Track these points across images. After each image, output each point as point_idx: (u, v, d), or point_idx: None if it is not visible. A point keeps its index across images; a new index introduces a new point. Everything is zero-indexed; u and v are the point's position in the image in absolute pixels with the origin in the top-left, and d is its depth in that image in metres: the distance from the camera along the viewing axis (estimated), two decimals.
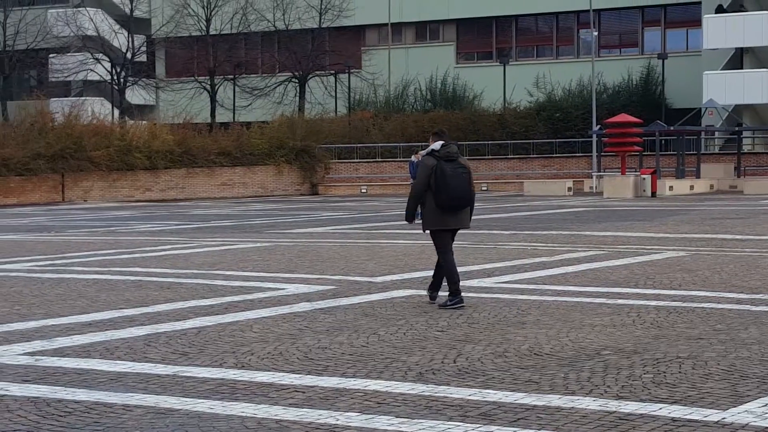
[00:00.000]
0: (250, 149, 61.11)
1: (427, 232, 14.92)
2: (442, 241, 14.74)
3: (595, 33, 63.30)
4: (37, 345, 11.88)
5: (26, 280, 18.36)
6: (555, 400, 8.92)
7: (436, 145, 14.66)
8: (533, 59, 72.89)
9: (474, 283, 16.75)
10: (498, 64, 67.93)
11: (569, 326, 12.56)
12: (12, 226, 35.00)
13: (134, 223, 35.92)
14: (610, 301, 14.49)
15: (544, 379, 9.71)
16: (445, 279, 14.75)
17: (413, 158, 35.57)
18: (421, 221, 14.93)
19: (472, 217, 15.08)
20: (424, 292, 15.51)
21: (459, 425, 8.20)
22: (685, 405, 8.71)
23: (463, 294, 14.47)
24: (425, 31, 75.70)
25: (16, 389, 9.66)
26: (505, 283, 16.71)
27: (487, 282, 16.89)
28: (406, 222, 15.15)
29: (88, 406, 9.00)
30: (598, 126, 57.66)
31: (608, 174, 54.75)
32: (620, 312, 13.57)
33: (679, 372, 9.95)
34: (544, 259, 20.37)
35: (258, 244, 25.06)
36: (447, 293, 14.54)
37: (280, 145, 61.92)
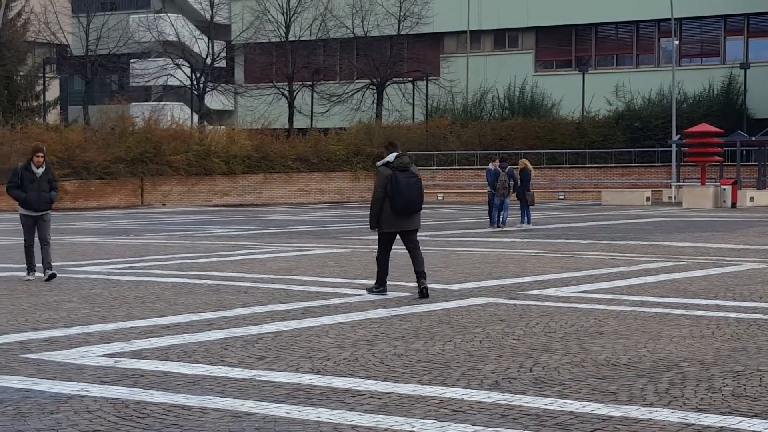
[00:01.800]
0: (327, 155, 61.33)
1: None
2: (387, 240, 16.67)
3: (676, 42, 62.81)
4: (116, 347, 11.99)
5: (106, 282, 18.54)
6: (633, 411, 8.83)
7: (391, 156, 16.59)
8: (613, 68, 72.45)
9: (551, 292, 16.66)
10: (577, 72, 67.59)
11: (647, 337, 12.44)
12: (92, 229, 35.38)
13: (212, 227, 36.16)
14: (689, 313, 14.34)
15: (622, 390, 9.63)
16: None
17: (490, 166, 35.50)
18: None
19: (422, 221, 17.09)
20: (501, 300, 15.49)
21: None
22: (765, 419, 8.59)
23: (540, 303, 14.43)
24: (504, 38, 75.52)
25: (96, 390, 9.75)
26: (582, 293, 16.60)
27: (564, 291, 16.79)
28: (369, 229, 16.92)
29: (166, 408, 9.07)
30: (678, 136, 57.18)
31: (688, 184, 54.25)
32: (699, 323, 13.43)
33: (760, 385, 9.82)
34: (622, 269, 20.22)
35: (335, 250, 25.12)
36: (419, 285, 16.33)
37: (357, 151, 62.08)
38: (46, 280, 18.59)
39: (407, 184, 16.41)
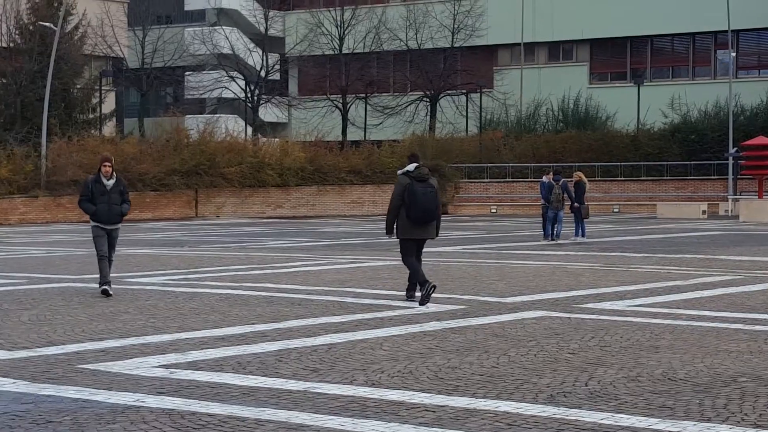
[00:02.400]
0: (380, 167, 61.36)
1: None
2: (408, 248, 17.29)
3: (733, 54, 62.36)
4: (171, 358, 12.04)
5: (161, 293, 18.64)
6: (690, 427, 8.76)
7: (411, 166, 17.18)
8: (668, 80, 72.07)
9: (606, 305, 16.57)
10: (632, 84, 67.23)
11: (704, 351, 12.34)
12: (147, 240, 35.60)
13: (265, 239, 36.28)
14: (746, 327, 14.21)
15: (679, 405, 9.55)
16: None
17: (544, 179, 35.39)
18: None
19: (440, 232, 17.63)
20: (556, 314, 15.44)
21: None
22: None
23: (595, 316, 14.38)
24: (558, 50, 75.31)
25: (152, 401, 9.80)
26: (638, 306, 16.50)
27: (619, 305, 16.69)
28: (386, 235, 17.56)
29: (221, 419, 9.09)
30: (735, 149, 56.75)
31: (745, 197, 53.81)
32: (757, 338, 13.30)
33: None
34: (678, 282, 20.07)
35: (388, 263, 25.11)
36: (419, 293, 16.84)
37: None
38: (101, 293, 18.27)
39: (424, 194, 17.01)
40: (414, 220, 17.03)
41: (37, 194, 51.36)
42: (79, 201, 19.03)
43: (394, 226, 17.30)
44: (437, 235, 17.56)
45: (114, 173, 18.82)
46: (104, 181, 18.67)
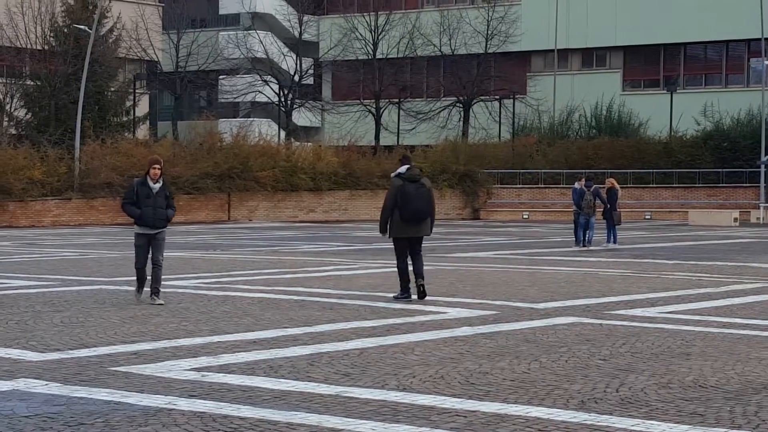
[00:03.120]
0: None
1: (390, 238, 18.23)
2: (401, 248, 18.14)
3: (766, 62, 62.07)
4: (203, 361, 12.09)
5: (193, 296, 18.71)
6: None
7: (403, 168, 18.25)
8: (701, 87, 71.83)
9: (637, 312, 16.54)
10: (665, 92, 67.07)
11: (735, 359, 12.30)
12: (179, 243, 35.73)
13: (297, 243, 36.35)
14: None
15: (710, 412, 9.53)
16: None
17: (576, 185, 35.33)
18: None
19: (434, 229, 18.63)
20: (587, 320, 15.43)
21: None
22: None
23: (626, 323, 14.35)
24: (591, 57, 75.20)
25: (184, 404, 9.85)
26: (669, 313, 16.46)
27: (650, 311, 16.65)
28: (380, 234, 18.31)
29: (252, 422, 9.13)
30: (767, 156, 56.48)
31: None
32: None
33: None
34: (709, 290, 20.01)
35: None
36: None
37: (443, 169, 62.08)
38: (151, 303, 17.44)
39: (416, 194, 17.95)
40: (407, 220, 17.90)
41: (70, 197, 51.59)
42: (122, 204, 18.40)
43: (388, 226, 18.07)
44: (431, 232, 18.44)
45: (161, 177, 18.11)
46: (151, 184, 17.92)
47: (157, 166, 17.94)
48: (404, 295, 18.09)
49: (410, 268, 18.22)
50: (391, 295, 18.44)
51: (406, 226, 17.98)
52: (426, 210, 18.05)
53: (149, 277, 17.95)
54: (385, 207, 18.16)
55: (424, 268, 18.54)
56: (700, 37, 70.87)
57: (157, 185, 17.94)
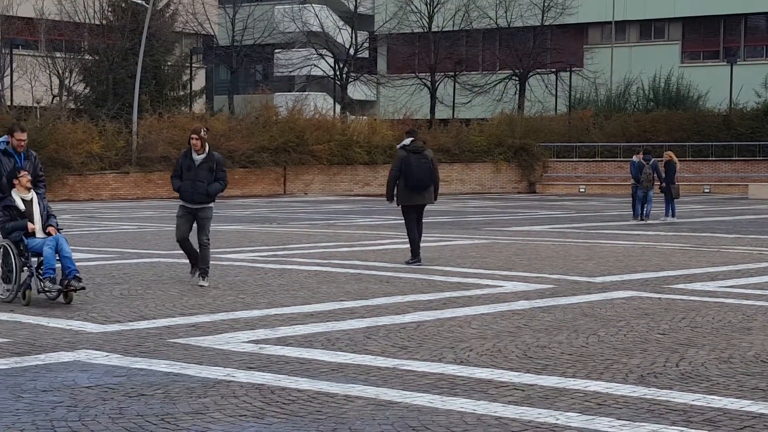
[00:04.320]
0: (468, 146, 61.19)
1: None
2: (408, 215, 19.84)
3: None
4: (260, 333, 12.13)
5: (250, 269, 18.77)
6: None
7: (407, 140, 19.81)
8: (762, 59, 70.95)
9: (697, 286, 16.41)
10: (725, 63, 66.36)
11: None
12: (236, 216, 35.87)
13: (353, 216, 36.38)
14: None
15: None
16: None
17: (635, 158, 35.09)
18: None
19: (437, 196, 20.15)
20: (646, 294, 15.33)
21: (683, 430, 8.04)
22: None
23: (685, 297, 14.27)
24: (650, 29, 74.52)
25: (242, 376, 9.88)
26: (729, 288, 16.31)
27: (710, 286, 16.52)
28: (386, 201, 20.20)
29: (310, 395, 9.15)
30: None
31: None
32: None
33: None
34: None
35: (476, 241, 25.08)
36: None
37: (498, 142, 61.82)
38: (196, 284, 16.57)
39: (418, 164, 19.49)
40: (411, 188, 19.50)
41: (128, 170, 51.92)
42: (171, 176, 17.39)
43: (394, 194, 19.78)
44: (435, 200, 20.14)
45: (206, 147, 16.88)
46: (194, 155, 16.80)
47: (195, 136, 16.78)
48: (415, 259, 19.66)
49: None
50: (405, 261, 19.76)
51: (411, 193, 19.59)
52: (427, 180, 19.59)
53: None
54: (390, 177, 19.85)
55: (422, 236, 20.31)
56: (761, 7, 69.98)
57: (200, 157, 16.79)
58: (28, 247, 14.71)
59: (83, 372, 10.07)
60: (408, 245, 20.13)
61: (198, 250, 16.90)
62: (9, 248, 14.72)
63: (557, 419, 8.34)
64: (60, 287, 14.25)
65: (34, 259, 14.64)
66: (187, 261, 17.51)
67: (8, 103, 54.88)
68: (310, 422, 8.30)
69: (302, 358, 10.72)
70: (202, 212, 16.89)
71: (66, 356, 10.82)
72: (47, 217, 15.09)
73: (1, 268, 14.86)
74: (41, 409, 8.67)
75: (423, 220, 20.32)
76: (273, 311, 13.76)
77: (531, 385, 9.53)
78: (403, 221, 20.13)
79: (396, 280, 17.20)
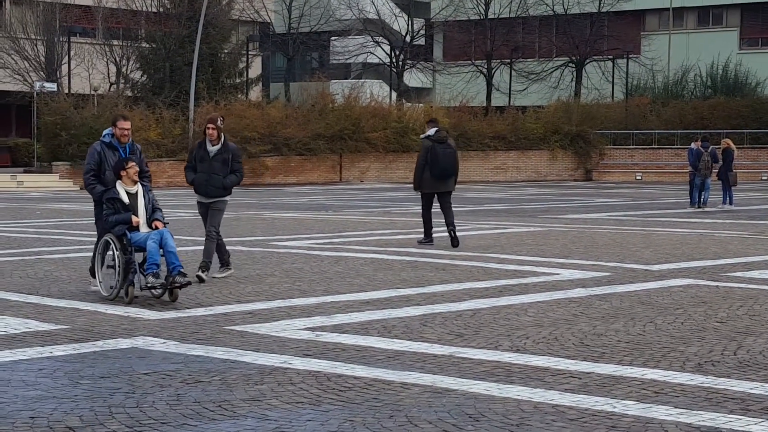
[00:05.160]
0: (524, 133, 61.02)
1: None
2: (427, 200, 20.71)
3: None
4: (317, 321, 12.17)
5: (306, 257, 18.82)
6: None
7: (431, 131, 20.33)
8: None
9: (755, 274, 16.28)
10: None
11: None
12: (292, 204, 35.98)
13: (409, 204, 36.35)
14: None
15: None
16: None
17: (693, 146, 34.87)
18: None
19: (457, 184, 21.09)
20: (703, 282, 15.24)
21: (740, 419, 7.99)
22: None
23: (743, 285, 14.21)
24: (708, 15, 73.93)
25: (299, 363, 9.92)
26: None
27: None
28: (414, 190, 21.00)
29: (367, 382, 9.17)
30: None
31: None
32: None
33: None
34: None
35: (532, 229, 25.01)
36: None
37: (555, 130, 61.61)
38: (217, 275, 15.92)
39: (444, 154, 20.25)
40: (436, 176, 20.31)
41: (184, 157, 52.20)
42: (184, 168, 16.47)
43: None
44: (455, 187, 20.89)
45: (222, 138, 15.95)
46: (208, 146, 15.91)
47: (212, 125, 15.83)
48: (427, 239, 20.82)
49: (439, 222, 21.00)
50: (418, 240, 21.10)
51: (436, 182, 20.41)
52: (452, 168, 20.46)
53: (228, 249, 16.47)
54: (417, 166, 20.47)
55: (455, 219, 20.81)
56: None
57: (215, 148, 15.88)
58: (132, 241, 13.92)
59: (141, 359, 10.15)
60: (445, 233, 20.75)
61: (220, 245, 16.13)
62: (112, 242, 13.97)
63: (614, 407, 8.31)
64: (164, 282, 13.52)
65: (139, 254, 13.94)
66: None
67: (66, 91, 55.29)
68: (367, 409, 8.32)
69: (359, 345, 10.75)
70: (215, 204, 16.19)
71: (124, 343, 10.91)
72: (153, 210, 14.48)
73: (100, 262, 14.16)
74: (99, 396, 8.75)
75: (450, 204, 20.98)
76: (329, 298, 13.79)
77: (588, 373, 9.50)
78: (422, 207, 20.89)
79: (452, 267, 17.19)
